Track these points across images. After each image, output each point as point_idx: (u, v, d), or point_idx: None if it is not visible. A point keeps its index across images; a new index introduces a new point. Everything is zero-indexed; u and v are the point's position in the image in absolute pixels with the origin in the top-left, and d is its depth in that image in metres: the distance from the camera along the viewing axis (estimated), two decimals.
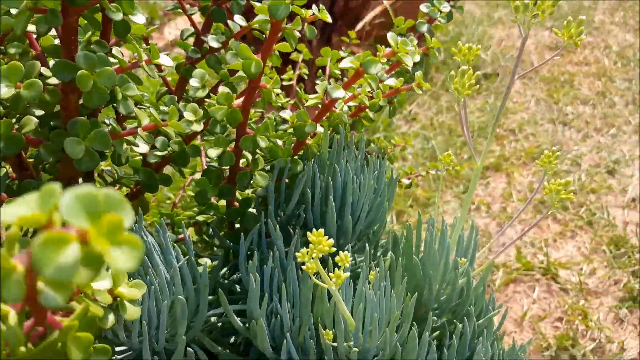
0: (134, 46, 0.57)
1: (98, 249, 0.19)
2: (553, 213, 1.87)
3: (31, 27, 0.57)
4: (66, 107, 0.55)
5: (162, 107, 0.68)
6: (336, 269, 0.51)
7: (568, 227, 1.81)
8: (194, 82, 0.70)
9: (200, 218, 0.81)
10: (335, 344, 0.58)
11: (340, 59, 0.95)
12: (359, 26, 2.36)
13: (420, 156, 2.11)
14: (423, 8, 0.84)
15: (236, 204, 0.74)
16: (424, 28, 0.85)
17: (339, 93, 0.63)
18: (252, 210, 0.73)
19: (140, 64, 0.58)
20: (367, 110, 0.75)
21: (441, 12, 0.84)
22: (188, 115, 0.65)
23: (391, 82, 0.71)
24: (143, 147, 0.64)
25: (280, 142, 0.71)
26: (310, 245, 0.48)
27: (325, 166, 0.69)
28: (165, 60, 0.60)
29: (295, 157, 0.69)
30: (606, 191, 1.94)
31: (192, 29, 0.80)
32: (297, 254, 0.49)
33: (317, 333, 0.60)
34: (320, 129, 0.67)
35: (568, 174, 2.01)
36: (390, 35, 0.64)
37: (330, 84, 0.63)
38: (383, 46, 0.63)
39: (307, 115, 0.65)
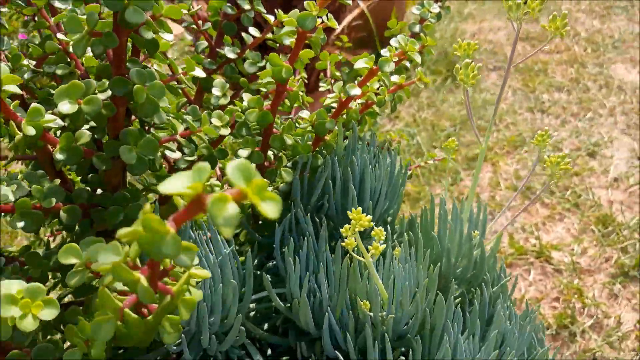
0: (172, 61, 0.64)
1: (254, 202, 0.25)
2: (540, 198, 1.95)
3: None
4: (116, 119, 0.61)
5: (185, 116, 0.74)
6: (373, 242, 0.57)
7: (556, 210, 1.89)
8: (216, 91, 0.77)
9: None
10: (371, 314, 0.64)
11: (338, 62, 1.01)
12: (338, 30, 2.42)
13: (406, 152, 2.18)
14: (414, 10, 0.91)
15: None
16: (417, 28, 0.92)
17: (356, 91, 0.70)
18: None
19: (178, 76, 0.64)
20: (373, 106, 0.82)
21: (431, 12, 0.91)
22: (215, 121, 0.72)
23: (395, 78, 0.78)
24: (177, 153, 0.70)
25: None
26: (352, 221, 0.55)
27: (342, 159, 0.76)
28: (199, 72, 0.66)
29: (315, 152, 0.76)
30: (589, 173, 2.03)
31: (206, 43, 0.86)
32: (342, 230, 0.55)
33: (352, 306, 0.67)
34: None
35: None
36: (398, 38, 0.71)
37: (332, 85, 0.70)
38: (393, 47, 0.70)
39: (326, 114, 0.71)
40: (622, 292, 1.62)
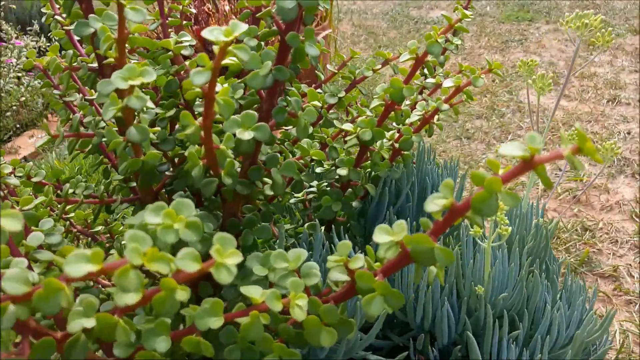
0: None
1: None
2: None
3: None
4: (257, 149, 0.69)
5: None
6: (497, 230, 0.69)
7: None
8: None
9: None
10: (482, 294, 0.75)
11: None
12: None
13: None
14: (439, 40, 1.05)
15: None
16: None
17: (445, 106, 0.81)
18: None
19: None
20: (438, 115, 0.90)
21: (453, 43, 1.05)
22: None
23: (449, 83, 0.87)
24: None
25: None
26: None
27: (413, 170, 0.88)
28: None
29: (392, 166, 0.86)
30: (521, 187, 2.26)
31: None
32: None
33: (457, 290, 0.77)
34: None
35: None
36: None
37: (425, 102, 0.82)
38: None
39: (411, 130, 0.82)
40: None
